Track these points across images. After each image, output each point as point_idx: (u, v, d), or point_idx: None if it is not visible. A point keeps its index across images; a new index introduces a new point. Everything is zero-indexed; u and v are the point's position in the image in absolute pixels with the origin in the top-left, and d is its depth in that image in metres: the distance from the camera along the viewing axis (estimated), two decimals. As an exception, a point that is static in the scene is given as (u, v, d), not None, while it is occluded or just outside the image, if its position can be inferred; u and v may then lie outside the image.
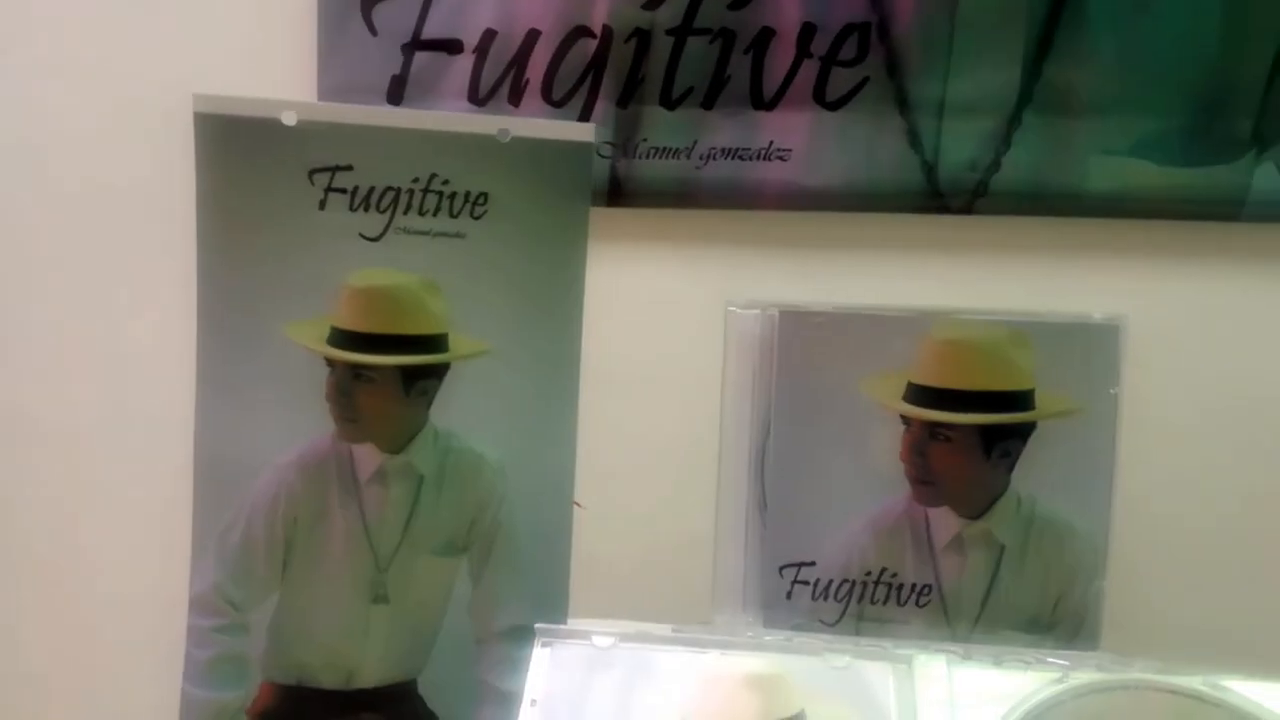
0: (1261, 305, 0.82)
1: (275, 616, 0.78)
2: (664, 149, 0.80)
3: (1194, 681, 0.64)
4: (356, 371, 0.76)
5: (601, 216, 0.79)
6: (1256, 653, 0.70)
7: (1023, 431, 0.76)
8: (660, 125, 0.80)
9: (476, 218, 0.76)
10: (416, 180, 0.76)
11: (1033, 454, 0.75)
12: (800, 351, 0.77)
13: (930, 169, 0.79)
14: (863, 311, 0.77)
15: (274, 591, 0.78)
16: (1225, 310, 0.81)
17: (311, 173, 0.75)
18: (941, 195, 0.80)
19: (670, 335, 0.83)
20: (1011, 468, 0.76)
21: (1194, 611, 0.80)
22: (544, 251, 0.78)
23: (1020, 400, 0.75)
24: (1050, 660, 0.66)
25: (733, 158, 0.80)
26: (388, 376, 0.76)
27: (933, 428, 0.75)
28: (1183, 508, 0.81)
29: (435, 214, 0.76)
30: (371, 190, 0.75)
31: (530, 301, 0.77)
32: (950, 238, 0.80)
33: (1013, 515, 0.76)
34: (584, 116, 0.79)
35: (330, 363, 0.76)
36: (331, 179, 0.75)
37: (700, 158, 0.80)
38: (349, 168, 0.75)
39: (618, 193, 0.79)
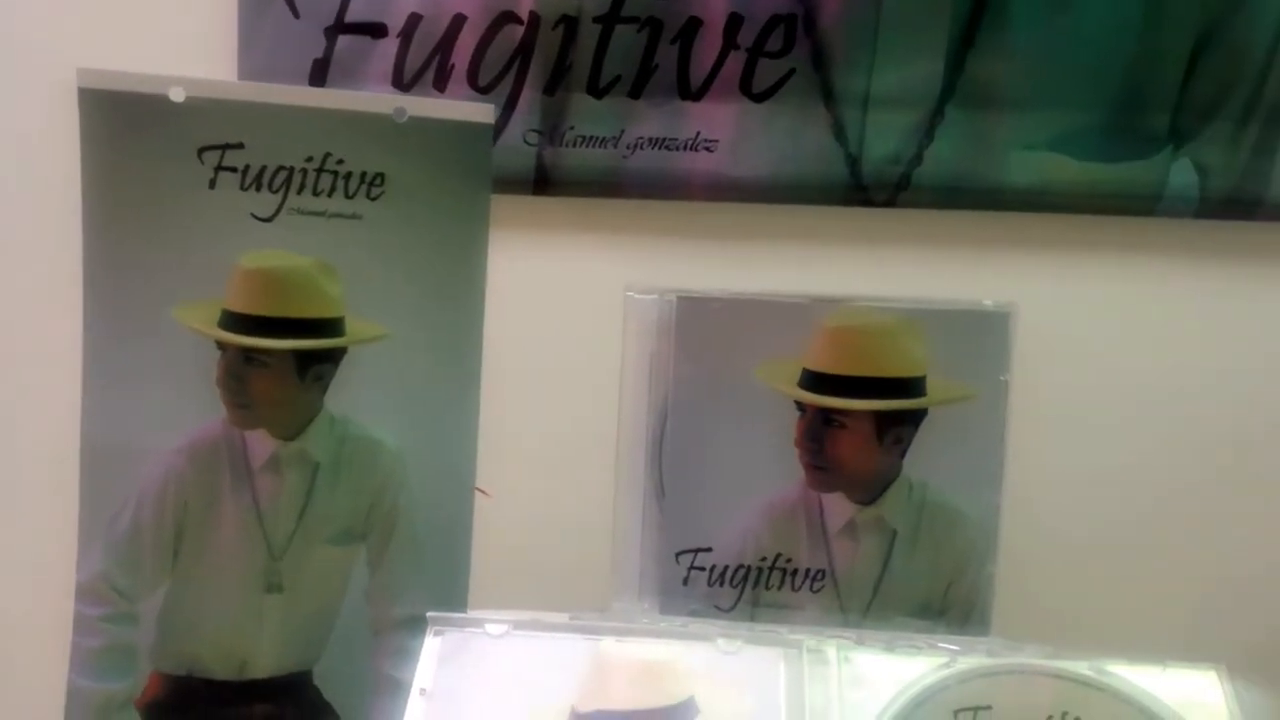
0: (1154, 297, 0.83)
1: (165, 606, 0.75)
2: (591, 138, 0.79)
3: (1079, 666, 0.64)
4: (248, 355, 0.74)
5: (520, 204, 0.79)
6: (1142, 637, 0.71)
7: (915, 418, 0.75)
8: (587, 114, 0.78)
9: (373, 199, 0.74)
10: (310, 160, 0.73)
11: (924, 440, 0.75)
12: (698, 338, 0.75)
13: (854, 162, 0.79)
14: (759, 298, 0.76)
15: (164, 580, 0.75)
16: (1122, 301, 0.83)
17: (201, 151, 0.73)
18: (865, 188, 0.80)
19: (576, 322, 0.81)
20: (904, 454, 0.76)
21: (1083, 596, 0.80)
22: (444, 234, 0.76)
23: (912, 387, 0.75)
24: (940, 645, 0.66)
25: (660, 147, 0.79)
26: (281, 361, 0.74)
27: (827, 414, 0.74)
28: (1071, 494, 0.82)
29: (330, 194, 0.74)
30: (264, 169, 0.73)
31: (430, 285, 0.75)
32: (872, 230, 0.81)
33: (905, 501, 0.76)
34: (510, 103, 0.78)
35: (221, 346, 0.74)
36: (222, 157, 0.72)
37: (627, 147, 0.79)
38: (240, 146, 0.73)
39: (544, 181, 0.77)
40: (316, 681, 0.76)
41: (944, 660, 0.64)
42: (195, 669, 0.75)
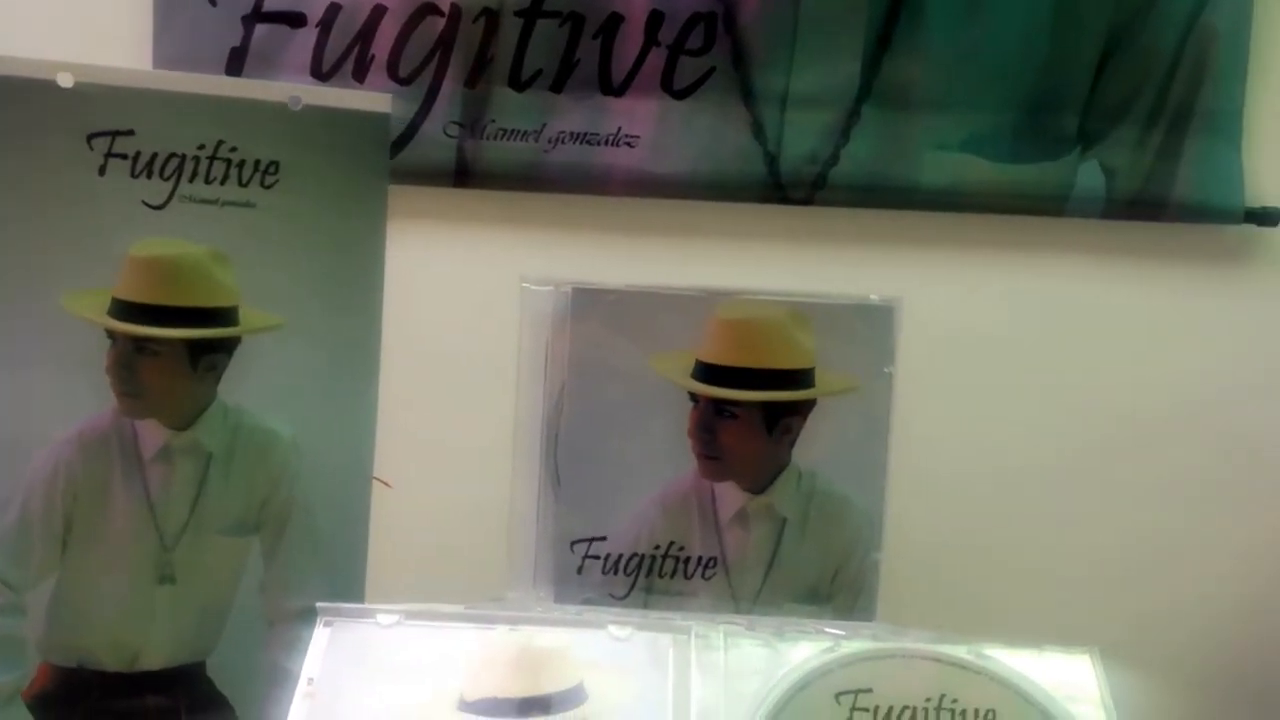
0: (1056, 294, 0.85)
1: (54, 597, 0.72)
2: (512, 131, 0.78)
3: (958, 650, 0.64)
4: (139, 344, 0.71)
5: (435, 196, 0.78)
6: (1021, 622, 0.72)
7: (803, 409, 0.75)
8: (509, 107, 0.77)
9: (267, 187, 0.72)
10: (202, 147, 0.71)
11: (813, 430, 0.75)
12: (593, 329, 0.75)
13: (772, 160, 0.79)
14: (653, 290, 0.75)
15: (53, 571, 0.72)
16: (1021, 297, 0.84)
17: (90, 137, 0.70)
18: (782, 186, 0.80)
19: (478, 313, 0.80)
20: (793, 444, 0.75)
21: (964, 583, 0.82)
22: (340, 223, 0.74)
23: (801, 378, 0.74)
24: (825, 630, 0.66)
25: (581, 142, 0.79)
26: (173, 350, 0.72)
27: (719, 405, 0.74)
28: (954, 484, 0.83)
29: (223, 182, 0.72)
30: (155, 156, 0.71)
31: (326, 274, 0.74)
32: (790, 228, 0.81)
33: (794, 490, 0.75)
34: (431, 95, 0.76)
35: (111, 335, 0.71)
36: (111, 144, 0.70)
37: (549, 141, 0.78)
38: (130, 133, 0.70)
39: (465, 174, 0.76)
40: (210, 673, 0.75)
41: (828, 645, 0.64)
42: (86, 660, 0.73)
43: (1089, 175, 0.82)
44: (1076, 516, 0.85)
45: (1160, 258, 0.90)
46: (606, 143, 0.79)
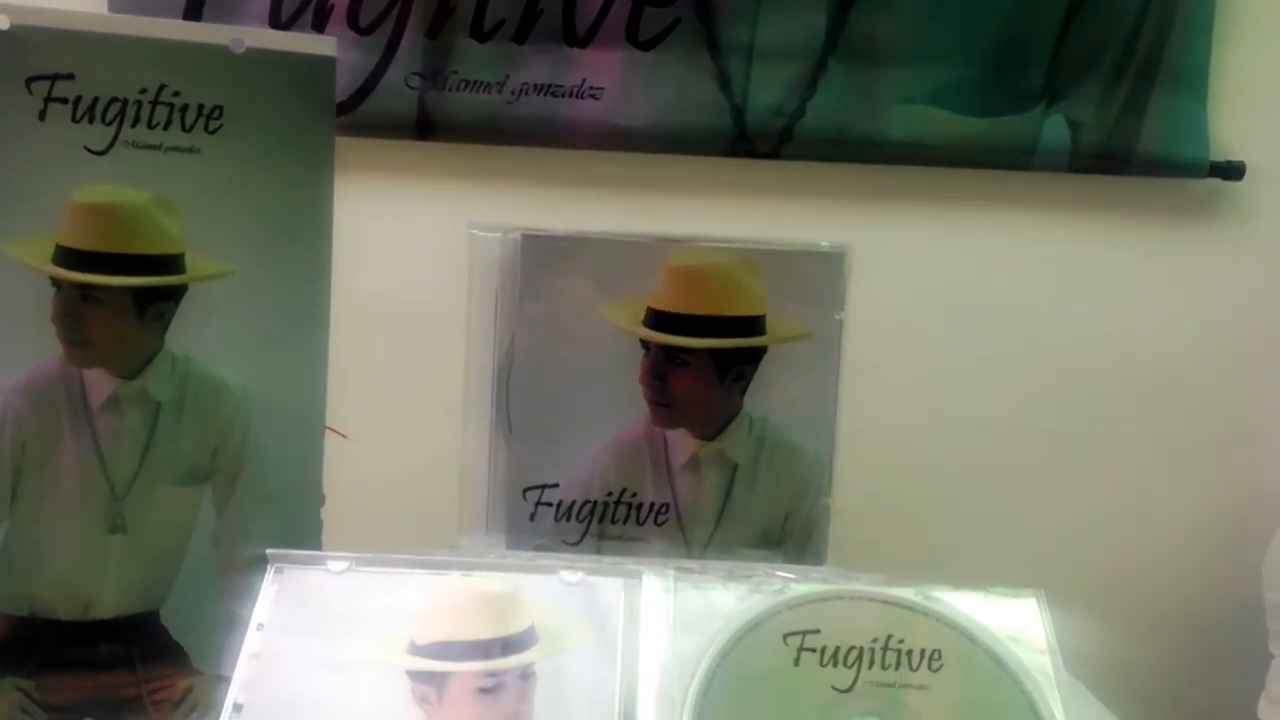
0: (1015, 244, 0.85)
1: (4, 546, 0.71)
2: (475, 82, 0.76)
3: (906, 592, 0.64)
4: (85, 293, 0.69)
5: (391, 149, 0.76)
6: (969, 565, 0.74)
7: (754, 356, 0.75)
8: (471, 58, 0.75)
9: (211, 132, 0.70)
10: (144, 91, 0.68)
11: (764, 377, 0.75)
12: (543, 276, 0.74)
13: (739, 113, 0.77)
14: (603, 237, 0.74)
15: (1, 521, 0.70)
16: (979, 247, 0.84)
17: (29, 81, 0.67)
18: (749, 139, 0.78)
19: (427, 263, 0.80)
20: (745, 390, 0.75)
21: (915, 528, 0.83)
22: (286, 169, 0.71)
23: (752, 326, 0.74)
24: (776, 574, 0.66)
25: (545, 94, 0.77)
26: (118, 298, 0.70)
27: (670, 352, 0.73)
28: (903, 429, 0.84)
29: (166, 127, 0.69)
30: (96, 101, 0.68)
31: (273, 221, 0.72)
32: (754, 181, 0.80)
33: (745, 436, 0.75)
34: (392, 46, 0.74)
35: (56, 283, 0.69)
36: (51, 88, 0.67)
37: (512, 93, 0.76)
38: (70, 76, 0.67)
39: (427, 125, 0.74)
40: (164, 621, 0.73)
41: (777, 588, 0.64)
42: (38, 609, 0.71)
43: (1055, 129, 0.82)
44: (1028, 466, 0.86)
45: (1125, 212, 0.90)
46: (570, 94, 0.77)
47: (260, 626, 0.64)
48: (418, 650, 0.62)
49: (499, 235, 0.74)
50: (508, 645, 0.63)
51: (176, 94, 0.70)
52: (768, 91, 0.79)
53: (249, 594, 0.74)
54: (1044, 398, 0.92)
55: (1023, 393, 0.92)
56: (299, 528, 0.76)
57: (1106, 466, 0.95)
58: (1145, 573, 1.02)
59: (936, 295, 0.88)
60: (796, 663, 0.62)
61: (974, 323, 0.89)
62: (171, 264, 0.71)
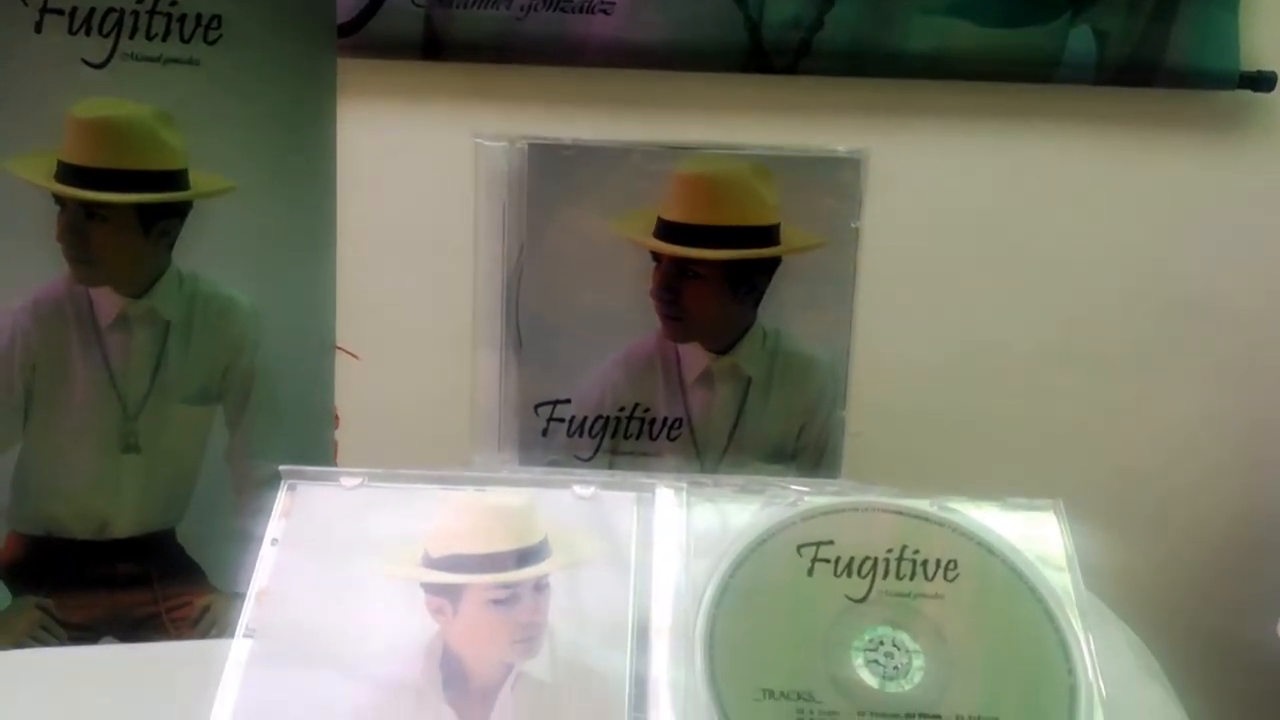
0: (1038, 159, 0.83)
1: (19, 467, 0.71)
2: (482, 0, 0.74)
3: (922, 503, 0.63)
4: (89, 210, 0.68)
5: (397, 70, 0.74)
6: (986, 475, 0.72)
7: (768, 267, 0.73)
8: None
9: (211, 43, 0.68)
10: (141, 1, 0.67)
11: (778, 288, 0.73)
12: (550, 188, 0.71)
13: (754, 27, 0.75)
14: (612, 145, 0.71)
15: (15, 442, 0.71)
16: (985, 161, 0.82)
17: (23, -9, 0.69)
18: (765, 54, 0.76)
19: (430, 181, 0.78)
20: (758, 302, 0.73)
21: (929, 438, 0.82)
22: (288, 80, 0.70)
23: (766, 235, 0.72)
24: (790, 487, 0.65)
25: (555, 9, 0.74)
26: (124, 216, 0.69)
27: (682, 264, 0.72)
28: (921, 342, 0.82)
29: (164, 38, 0.68)
30: (92, 11, 0.66)
31: (276, 136, 0.70)
32: (770, 98, 0.78)
33: (758, 349, 0.74)
34: None
35: (60, 201, 0.68)
36: (46, -1, 0.69)
37: (521, 9, 0.73)
38: (64, -15, 0.69)
39: (434, 45, 0.72)
40: (180, 540, 0.74)
41: (790, 500, 0.63)
42: (54, 529, 0.72)
43: (1080, 40, 0.79)
44: (1050, 385, 0.84)
45: (1151, 125, 0.87)
46: (581, 10, 0.75)
47: (274, 542, 0.64)
48: (432, 563, 0.61)
49: (505, 145, 0.72)
50: (522, 558, 0.62)
51: (173, 3, 0.68)
52: (784, 4, 0.76)
53: (263, 512, 0.76)
54: (1068, 315, 0.90)
55: (1045, 309, 0.90)
56: (312, 447, 0.75)
57: (1132, 386, 0.93)
58: (1169, 492, 1.01)
59: (957, 210, 0.86)
60: (810, 573, 0.61)
61: (995, 237, 0.87)
62: (175, 180, 0.70)
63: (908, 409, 0.84)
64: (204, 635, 0.74)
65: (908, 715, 0.55)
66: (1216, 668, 1.00)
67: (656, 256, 0.72)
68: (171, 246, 0.71)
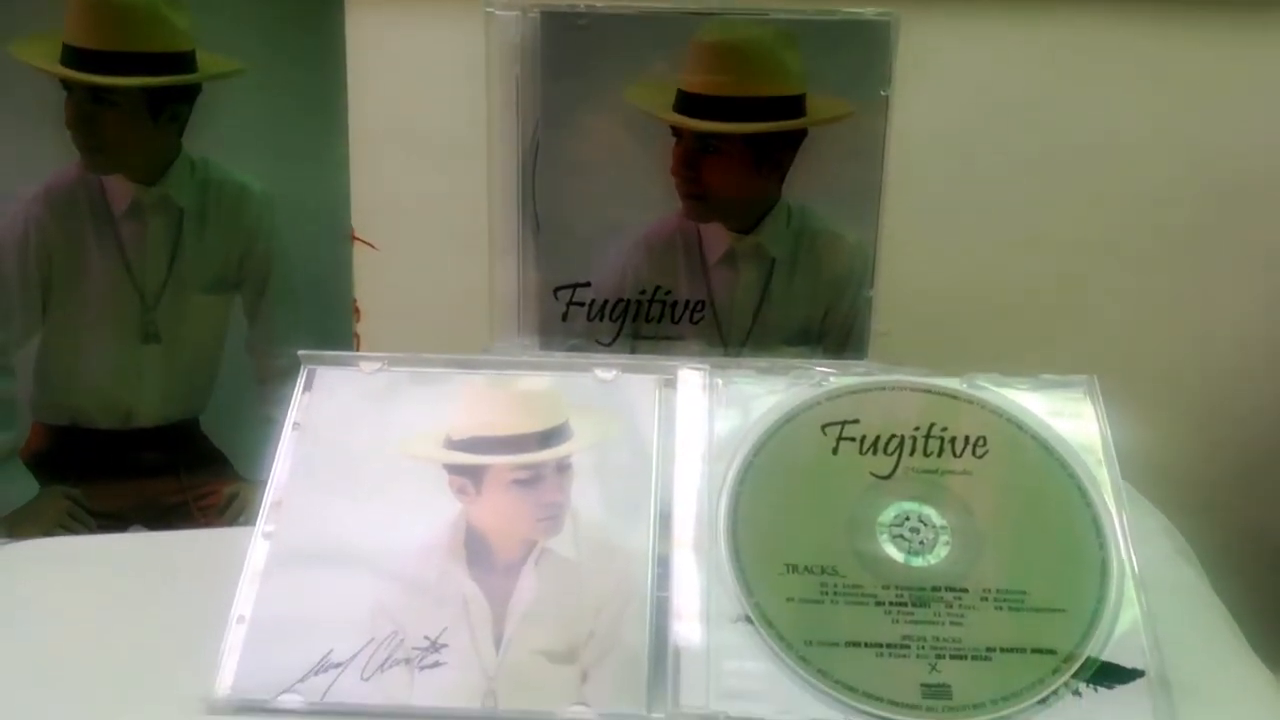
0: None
1: (40, 357, 0.71)
2: None
3: (951, 381, 0.62)
4: (97, 95, 0.67)
5: None
6: (1016, 353, 0.71)
7: (793, 140, 0.70)
8: None
9: None
10: None
11: (803, 163, 0.70)
12: (565, 59, 0.68)
13: None
14: (628, 11, 0.68)
15: (35, 332, 0.71)
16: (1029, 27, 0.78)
17: None
18: None
19: (441, 58, 0.76)
20: (783, 179, 0.71)
21: (960, 322, 0.80)
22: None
23: (791, 106, 0.69)
24: (815, 369, 0.63)
25: None
26: (132, 100, 0.68)
27: (703, 139, 0.69)
28: (952, 219, 0.80)
29: (165, -86, 0.68)
30: (86, -115, 0.67)
31: (283, 14, 0.68)
32: None
33: (783, 228, 0.71)
34: None
35: (67, 85, 0.67)
36: (39, -127, 0.66)
37: None
38: None
39: None
40: (205, 430, 0.74)
41: (815, 381, 0.62)
42: (79, 419, 0.72)
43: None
44: (1074, 244, 0.82)
45: (1200, 2, 0.83)
46: None
47: (296, 426, 0.64)
48: (454, 445, 0.61)
49: (516, 14, 0.69)
50: (544, 439, 0.61)
51: (174, -125, 0.69)
52: None
53: (285, 400, 0.75)
54: (1111, 201, 0.87)
55: (1087, 195, 0.87)
56: (333, 337, 0.75)
57: (1174, 275, 0.90)
58: (1209, 383, 0.99)
59: (994, 85, 0.82)
60: (835, 451, 0.60)
61: (1035, 115, 0.83)
62: (182, 62, 0.68)
63: (938, 295, 0.81)
64: (232, 522, 0.75)
65: (933, 589, 0.55)
66: (1252, 561, 0.99)
67: (677, 132, 0.70)
68: (182, 132, 0.70)
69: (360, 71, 0.71)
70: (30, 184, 0.69)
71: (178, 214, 0.71)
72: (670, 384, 0.63)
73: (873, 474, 0.58)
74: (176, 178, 0.70)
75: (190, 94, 0.69)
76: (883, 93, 0.69)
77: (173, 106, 0.69)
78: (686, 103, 0.69)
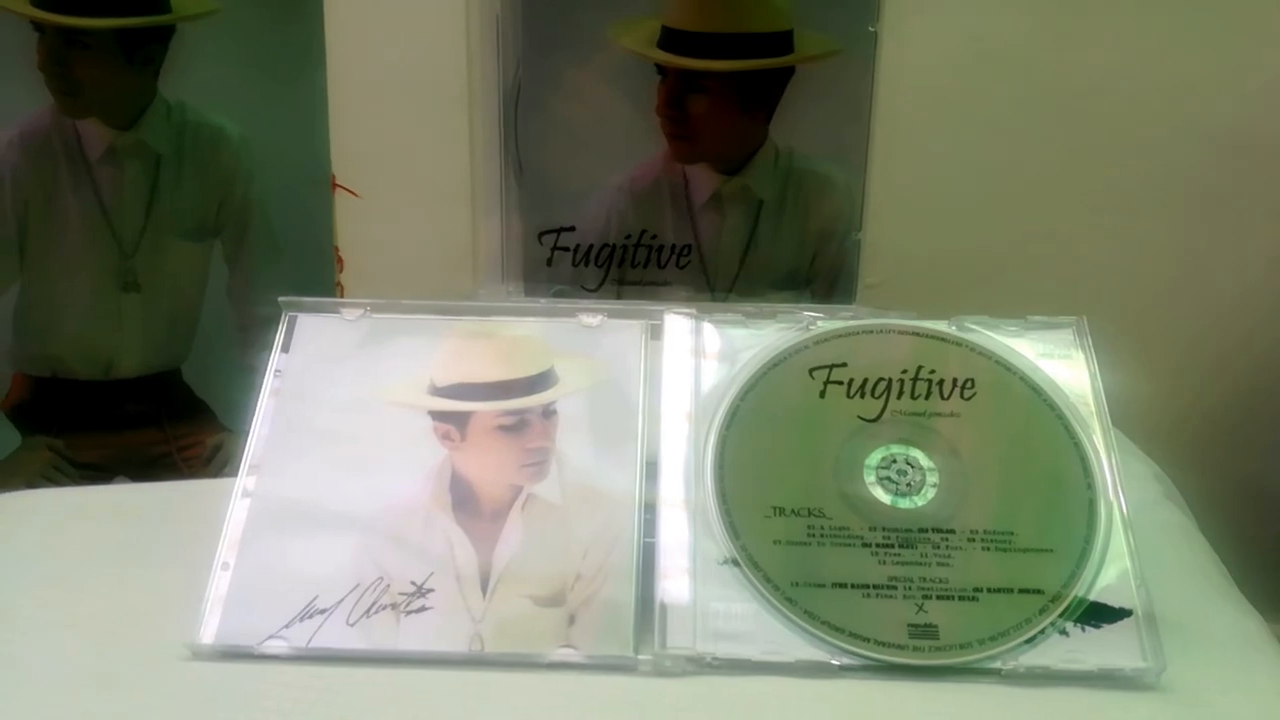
0: None
1: (19, 307, 0.71)
2: None
3: (939, 324, 0.61)
4: (69, 37, 0.66)
5: None
6: (1008, 296, 0.70)
7: (781, 78, 0.69)
8: None
9: None
10: None
11: (791, 102, 0.69)
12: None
13: None
14: (610, -54, 0.69)
15: (13, 280, 0.70)
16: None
17: None
18: None
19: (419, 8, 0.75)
20: (769, 118, 0.70)
21: (950, 264, 0.79)
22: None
23: (779, 42, 0.68)
24: (804, 313, 0.62)
25: None
26: (105, 42, 0.67)
27: (689, 77, 0.68)
28: (941, 159, 0.78)
29: None
30: None
31: (257, -47, 0.70)
32: None
33: (770, 169, 0.71)
34: None
35: (39, 27, 0.66)
36: None
37: None
38: None
39: None
40: (187, 379, 0.74)
41: (802, 325, 0.61)
42: (59, 370, 0.72)
43: None
44: (1065, 187, 0.81)
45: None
46: None
47: (278, 373, 0.63)
48: (438, 391, 0.60)
49: None
50: (529, 385, 0.60)
51: None
52: None
53: (267, 348, 0.75)
54: (1100, 143, 0.86)
55: (1082, 144, 0.85)
56: (315, 286, 0.74)
57: (1167, 223, 0.90)
58: (1200, 332, 0.98)
59: (987, 24, 0.81)
60: (822, 395, 0.59)
61: (1029, 58, 0.81)
62: (155, 2, 0.67)
63: (927, 239, 0.80)
64: (217, 473, 0.75)
65: (920, 530, 0.54)
66: (1240, 506, 0.99)
67: (662, 70, 0.69)
68: (157, 75, 0.69)
69: (338, 14, 0.70)
70: (2, 130, 0.68)
71: (154, 159, 0.70)
72: (657, 329, 0.62)
73: (860, 417, 0.57)
74: (152, 122, 0.69)
75: (164, 35, 0.68)
76: (871, 29, 0.69)
77: (147, 48, 0.68)
78: (671, 39, 0.68)
